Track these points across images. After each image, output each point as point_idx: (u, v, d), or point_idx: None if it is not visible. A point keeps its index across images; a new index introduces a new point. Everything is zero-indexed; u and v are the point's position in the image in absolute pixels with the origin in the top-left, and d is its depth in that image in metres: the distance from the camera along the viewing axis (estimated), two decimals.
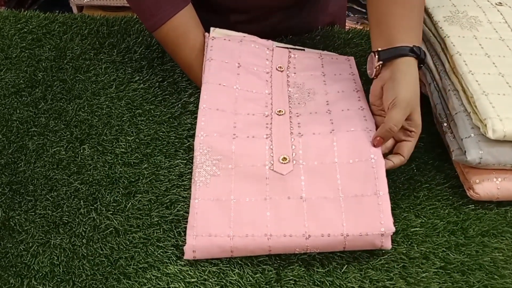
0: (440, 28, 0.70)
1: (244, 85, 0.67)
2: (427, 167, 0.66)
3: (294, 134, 0.61)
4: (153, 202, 0.60)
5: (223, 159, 0.59)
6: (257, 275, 0.53)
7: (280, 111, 0.65)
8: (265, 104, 0.66)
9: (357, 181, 0.57)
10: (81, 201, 0.59)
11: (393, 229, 0.54)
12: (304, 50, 0.76)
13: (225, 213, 0.55)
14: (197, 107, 0.71)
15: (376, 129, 0.61)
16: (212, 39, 0.71)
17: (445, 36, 0.69)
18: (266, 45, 0.73)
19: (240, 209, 0.55)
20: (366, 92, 0.70)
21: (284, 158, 0.59)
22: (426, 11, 0.75)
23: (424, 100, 0.75)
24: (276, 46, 0.74)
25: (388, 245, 0.55)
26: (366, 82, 0.78)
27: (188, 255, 0.54)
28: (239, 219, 0.54)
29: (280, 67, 0.71)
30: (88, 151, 0.65)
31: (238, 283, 0.53)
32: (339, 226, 0.54)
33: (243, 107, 0.65)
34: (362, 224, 0.54)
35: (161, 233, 0.57)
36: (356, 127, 0.61)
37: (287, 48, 0.75)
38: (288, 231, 0.54)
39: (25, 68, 0.77)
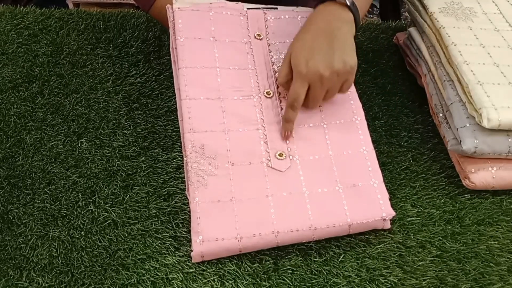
0: (436, 19, 0.71)
1: (225, 63, 0.63)
2: (423, 158, 0.66)
3: None
4: (151, 194, 0.60)
5: (219, 157, 0.57)
6: (255, 265, 0.54)
7: (268, 92, 0.62)
8: (251, 84, 0.63)
9: (353, 171, 0.58)
10: (79, 194, 0.60)
11: (393, 213, 0.56)
12: (277, 8, 0.71)
13: (228, 214, 0.54)
14: None
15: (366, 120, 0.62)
16: (180, 11, 0.66)
17: (440, 27, 0.69)
18: (237, 9, 0.69)
19: (243, 208, 0.54)
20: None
21: (281, 154, 0.58)
22: (421, 2, 0.75)
23: (420, 91, 0.75)
24: (248, 8, 0.69)
25: (388, 225, 0.57)
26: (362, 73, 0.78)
27: (197, 260, 0.53)
28: (244, 219, 0.54)
29: (259, 34, 0.67)
30: (85, 144, 0.65)
31: (236, 273, 0.53)
32: (342, 216, 0.55)
33: (228, 91, 0.62)
34: (364, 211, 0.55)
35: (159, 224, 0.57)
36: (345, 119, 0.62)
37: (260, 8, 0.70)
38: (295, 226, 0.54)
39: (22, 64, 0.76)
